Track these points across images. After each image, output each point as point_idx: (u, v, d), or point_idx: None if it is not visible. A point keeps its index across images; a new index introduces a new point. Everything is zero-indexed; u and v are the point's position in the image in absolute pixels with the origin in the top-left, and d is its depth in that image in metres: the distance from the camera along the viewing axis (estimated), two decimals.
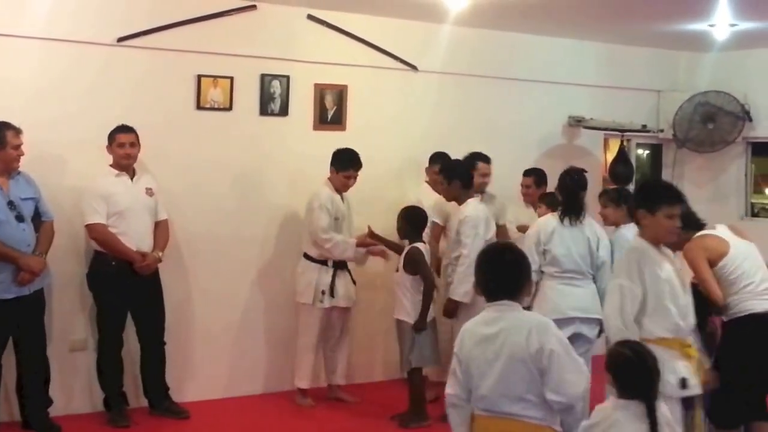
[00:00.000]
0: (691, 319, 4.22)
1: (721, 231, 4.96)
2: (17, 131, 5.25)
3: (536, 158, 7.53)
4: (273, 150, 6.45)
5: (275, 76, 6.41)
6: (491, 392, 3.33)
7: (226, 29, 6.15)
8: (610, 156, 8.20)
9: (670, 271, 4.15)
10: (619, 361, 3.51)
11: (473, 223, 5.76)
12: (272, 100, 6.43)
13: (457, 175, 5.92)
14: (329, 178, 6.15)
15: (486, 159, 6.56)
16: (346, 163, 6.09)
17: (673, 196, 4.19)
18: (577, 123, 7.80)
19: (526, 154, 7.46)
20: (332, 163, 6.13)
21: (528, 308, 4.55)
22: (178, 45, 5.99)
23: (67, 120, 5.67)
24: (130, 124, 5.65)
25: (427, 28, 6.92)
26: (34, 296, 5.32)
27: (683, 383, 4.05)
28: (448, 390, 3.51)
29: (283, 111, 6.46)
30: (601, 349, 5.73)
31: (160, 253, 5.73)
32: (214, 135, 6.22)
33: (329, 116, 6.68)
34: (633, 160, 8.22)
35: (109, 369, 5.70)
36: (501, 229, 6.56)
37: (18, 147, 5.26)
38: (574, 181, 5.53)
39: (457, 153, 6.35)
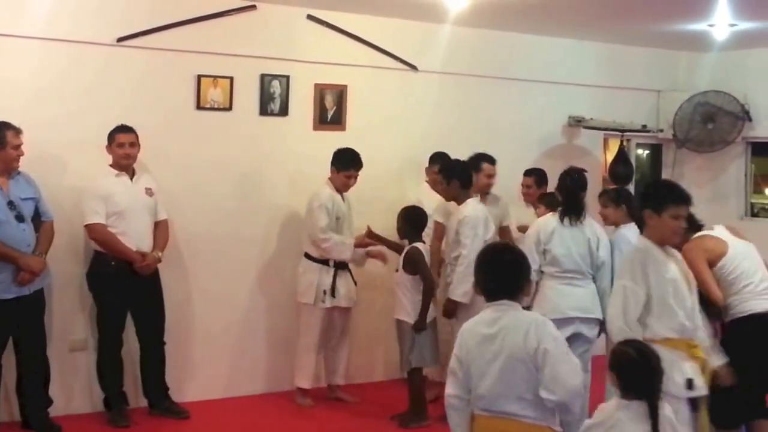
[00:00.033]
0: (698, 320, 4.23)
1: (719, 231, 4.96)
2: (17, 131, 5.25)
3: (536, 158, 7.53)
4: (273, 150, 6.45)
5: (275, 76, 6.41)
6: (491, 392, 3.34)
7: (226, 29, 6.15)
8: (610, 156, 8.20)
9: (676, 272, 4.15)
10: (623, 360, 3.51)
11: (472, 223, 5.76)
12: (272, 100, 6.43)
13: (457, 175, 5.92)
14: (330, 178, 6.15)
15: (491, 160, 6.51)
16: (347, 162, 6.10)
17: (679, 196, 4.19)
18: (577, 123, 7.80)
19: (526, 154, 7.46)
20: (333, 163, 6.13)
21: (528, 308, 4.55)
22: (177, 45, 5.99)
23: (67, 120, 5.68)
24: (130, 124, 5.65)
25: (427, 28, 6.92)
26: (34, 296, 5.32)
27: (690, 384, 4.04)
28: (448, 390, 3.51)
29: (283, 111, 6.47)
30: (601, 349, 5.76)
31: (160, 253, 5.73)
32: (214, 135, 6.22)
33: (329, 116, 6.68)
34: (633, 160, 8.23)
35: (109, 369, 5.70)
36: (504, 231, 6.56)
37: (18, 147, 5.26)
38: (574, 181, 5.52)
39: (457, 153, 6.35)
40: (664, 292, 4.06)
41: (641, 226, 4.34)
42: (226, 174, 6.29)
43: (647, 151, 8.86)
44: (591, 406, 4.98)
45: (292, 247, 6.38)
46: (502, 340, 3.33)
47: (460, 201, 5.91)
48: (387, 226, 6.22)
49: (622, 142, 8.11)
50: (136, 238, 5.62)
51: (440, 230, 6.31)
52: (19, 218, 5.21)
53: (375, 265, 6.46)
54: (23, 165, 5.34)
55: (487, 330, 3.37)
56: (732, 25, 6.85)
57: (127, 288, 5.60)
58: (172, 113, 6.06)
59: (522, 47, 7.50)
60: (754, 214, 8.41)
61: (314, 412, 6.14)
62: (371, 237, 6.20)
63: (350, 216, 6.27)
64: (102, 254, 5.61)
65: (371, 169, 6.33)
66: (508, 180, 6.90)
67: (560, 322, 4.79)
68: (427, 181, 6.70)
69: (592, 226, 5.52)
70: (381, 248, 6.29)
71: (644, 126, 7.96)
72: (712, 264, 4.82)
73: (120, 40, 5.81)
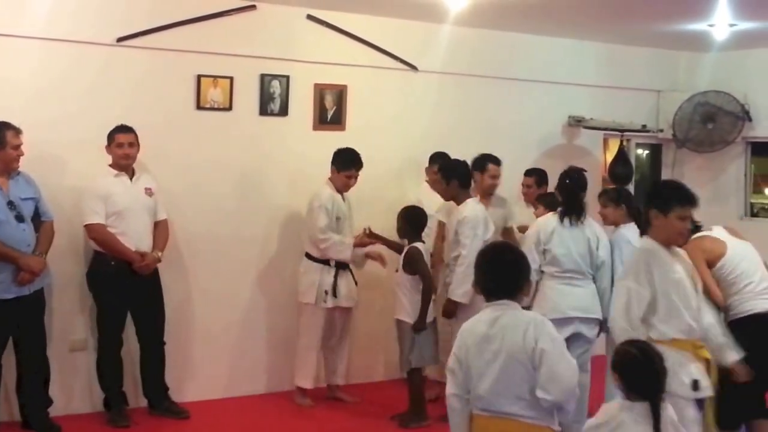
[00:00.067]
0: (704, 320, 4.22)
1: (718, 232, 4.97)
2: (17, 131, 5.25)
3: (536, 158, 7.53)
4: (273, 150, 6.45)
5: (275, 76, 6.41)
6: (490, 392, 3.33)
7: (226, 29, 6.15)
8: (610, 156, 8.20)
9: (682, 272, 4.14)
10: (626, 360, 3.50)
11: (472, 223, 5.76)
12: (272, 100, 6.43)
13: (456, 174, 5.92)
14: (330, 178, 6.15)
15: (496, 161, 6.48)
16: (347, 162, 6.10)
17: (686, 198, 4.17)
18: (577, 123, 7.80)
19: (526, 154, 7.46)
20: (333, 163, 6.13)
21: (528, 308, 4.55)
22: (177, 45, 5.99)
23: (67, 120, 5.67)
24: (130, 124, 5.65)
25: (427, 28, 6.92)
26: (34, 296, 5.32)
27: (695, 385, 4.03)
28: (448, 390, 3.51)
29: (283, 111, 6.47)
30: (600, 349, 5.77)
31: (160, 253, 5.73)
32: (214, 135, 6.22)
33: (329, 116, 6.68)
34: (633, 160, 8.23)
35: (108, 369, 5.70)
36: (507, 232, 6.56)
37: (18, 147, 5.26)
38: (573, 181, 5.53)
39: (457, 153, 6.34)
40: (670, 292, 4.05)
41: (642, 226, 4.34)
42: (226, 174, 6.29)
43: (647, 151, 8.87)
44: (591, 406, 5.01)
45: (292, 247, 6.39)
46: (501, 339, 3.33)
47: (459, 201, 5.91)
48: (387, 226, 6.21)
49: (621, 142, 8.11)
50: (135, 238, 5.62)
51: (444, 230, 6.31)
52: (19, 218, 5.22)
53: (375, 265, 6.45)
54: (23, 165, 5.34)
55: (487, 329, 3.37)
56: (732, 25, 6.85)
57: (127, 288, 5.60)
58: (172, 113, 6.06)
59: (522, 47, 7.50)
60: (753, 214, 8.41)
61: (314, 412, 6.14)
62: (371, 236, 6.20)
63: (350, 216, 6.27)
64: (102, 254, 5.61)
65: (371, 169, 6.33)
66: (508, 180, 6.88)
67: (560, 322, 4.81)
68: (427, 181, 6.69)
69: (591, 226, 5.52)
70: (380, 250, 6.28)
71: (644, 126, 7.96)
72: (711, 265, 4.83)
73: (120, 40, 5.81)
